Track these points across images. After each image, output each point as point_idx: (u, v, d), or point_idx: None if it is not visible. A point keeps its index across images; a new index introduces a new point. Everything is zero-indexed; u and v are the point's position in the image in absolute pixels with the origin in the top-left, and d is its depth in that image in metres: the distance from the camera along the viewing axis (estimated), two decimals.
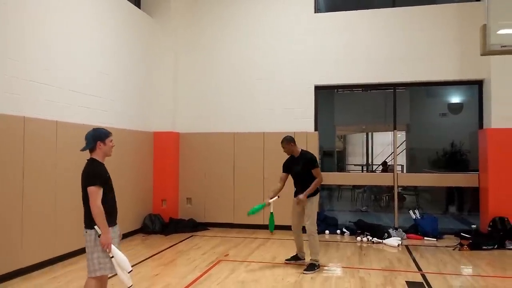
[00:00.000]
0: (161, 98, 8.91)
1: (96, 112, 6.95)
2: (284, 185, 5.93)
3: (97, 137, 3.59)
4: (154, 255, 6.60)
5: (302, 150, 5.94)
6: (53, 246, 5.90)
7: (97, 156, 3.59)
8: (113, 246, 3.45)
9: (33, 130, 5.55)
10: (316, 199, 5.81)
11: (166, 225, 8.49)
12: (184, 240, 7.71)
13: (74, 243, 6.18)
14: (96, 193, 3.41)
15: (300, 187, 5.81)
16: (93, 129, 3.69)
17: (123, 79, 7.82)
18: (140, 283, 5.11)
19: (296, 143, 5.94)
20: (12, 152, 5.25)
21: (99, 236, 3.41)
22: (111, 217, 3.57)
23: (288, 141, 5.85)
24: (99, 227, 3.40)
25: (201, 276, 5.41)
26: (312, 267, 5.64)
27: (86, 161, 3.60)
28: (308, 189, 5.67)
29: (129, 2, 8.10)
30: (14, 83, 5.32)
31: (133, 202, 8.03)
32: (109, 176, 3.61)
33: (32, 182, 5.52)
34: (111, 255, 3.43)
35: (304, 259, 5.99)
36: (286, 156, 6.00)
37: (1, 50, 5.14)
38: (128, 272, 3.47)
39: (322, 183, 6.13)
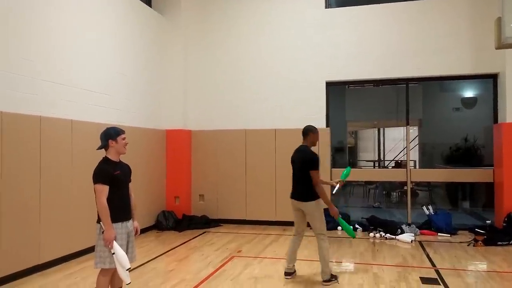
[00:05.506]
0: (173, 96, 8.97)
1: (110, 111, 7.03)
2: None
3: (108, 135, 3.69)
4: (168, 251, 6.68)
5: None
6: (69, 243, 6.01)
7: (110, 154, 3.70)
8: (115, 243, 3.52)
9: (49, 129, 5.65)
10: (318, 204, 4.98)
11: (179, 221, 8.57)
12: (197, 236, 7.79)
13: (89, 240, 6.25)
14: (100, 191, 3.53)
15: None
16: (106, 128, 3.78)
17: (136, 78, 7.89)
18: (156, 278, 5.19)
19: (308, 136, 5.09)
20: (29, 151, 5.35)
21: (102, 232, 3.52)
22: (121, 213, 3.66)
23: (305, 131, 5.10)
24: (103, 223, 3.52)
25: (215, 272, 5.46)
26: (328, 280, 4.97)
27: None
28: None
29: (141, 1, 8.15)
30: (30, 83, 5.42)
31: (147, 199, 8.11)
32: (119, 174, 3.67)
33: (48, 181, 5.62)
34: (112, 251, 3.51)
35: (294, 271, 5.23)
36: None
37: (17, 50, 5.23)
38: (127, 270, 3.52)
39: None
